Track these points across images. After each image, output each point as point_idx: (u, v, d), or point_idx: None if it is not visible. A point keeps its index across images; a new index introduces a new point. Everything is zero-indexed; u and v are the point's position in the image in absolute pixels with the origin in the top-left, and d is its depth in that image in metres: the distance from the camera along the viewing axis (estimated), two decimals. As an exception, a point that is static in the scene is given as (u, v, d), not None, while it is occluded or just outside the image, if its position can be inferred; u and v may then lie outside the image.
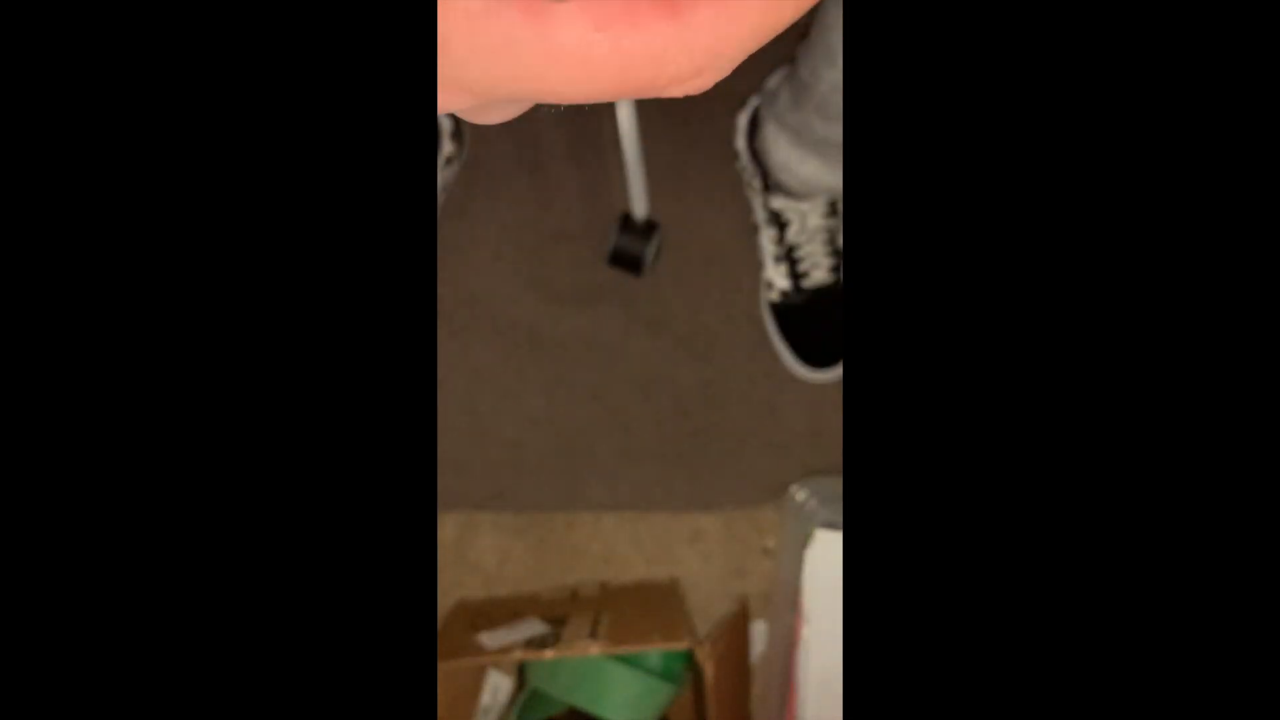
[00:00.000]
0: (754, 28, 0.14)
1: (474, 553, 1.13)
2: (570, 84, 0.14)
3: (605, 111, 1.01)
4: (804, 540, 0.89)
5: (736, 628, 1.02)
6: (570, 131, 1.05)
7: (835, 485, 1.03)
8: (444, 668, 0.93)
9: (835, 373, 1.04)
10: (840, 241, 1.01)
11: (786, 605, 0.95)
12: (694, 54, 0.14)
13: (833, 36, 0.67)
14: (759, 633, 1.09)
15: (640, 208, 1.01)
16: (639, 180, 1.00)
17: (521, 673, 1.07)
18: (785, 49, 0.97)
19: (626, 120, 0.98)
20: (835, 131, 0.77)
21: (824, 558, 0.87)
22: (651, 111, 1.03)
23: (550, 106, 0.15)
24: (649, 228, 1.02)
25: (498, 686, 1.08)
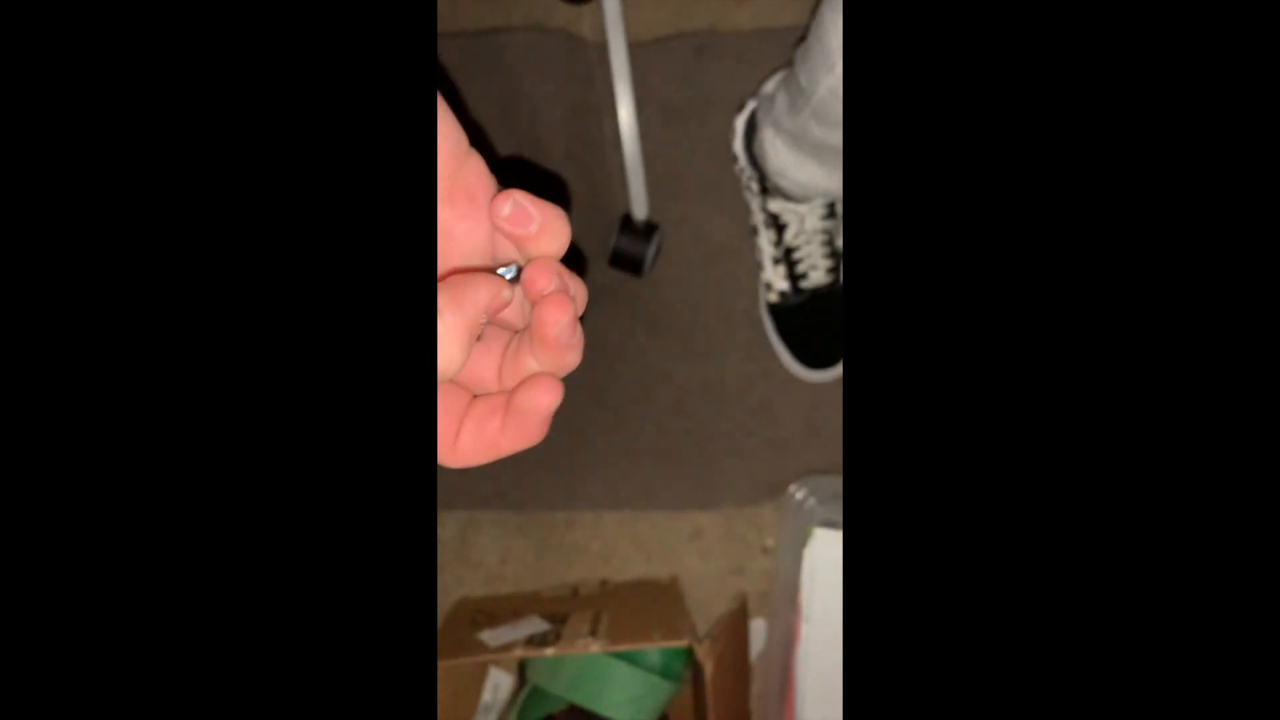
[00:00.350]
0: (501, 455, 0.26)
1: (475, 551, 1.13)
2: None
3: (606, 114, 1.01)
4: (803, 539, 0.89)
5: (736, 626, 1.03)
6: (571, 134, 1.05)
7: (834, 484, 1.03)
8: (445, 665, 0.94)
9: (833, 373, 1.04)
10: (838, 243, 1.01)
11: (786, 603, 0.95)
12: (458, 463, 0.26)
13: (830, 41, 0.67)
14: (758, 631, 1.09)
15: (640, 209, 1.01)
16: (639, 182, 1.00)
17: (522, 670, 1.07)
18: (782, 53, 0.97)
19: (627, 122, 0.99)
20: (832, 136, 0.77)
21: (823, 556, 0.87)
22: (652, 114, 1.03)
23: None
24: (649, 229, 1.02)
25: (498, 684, 1.09)
